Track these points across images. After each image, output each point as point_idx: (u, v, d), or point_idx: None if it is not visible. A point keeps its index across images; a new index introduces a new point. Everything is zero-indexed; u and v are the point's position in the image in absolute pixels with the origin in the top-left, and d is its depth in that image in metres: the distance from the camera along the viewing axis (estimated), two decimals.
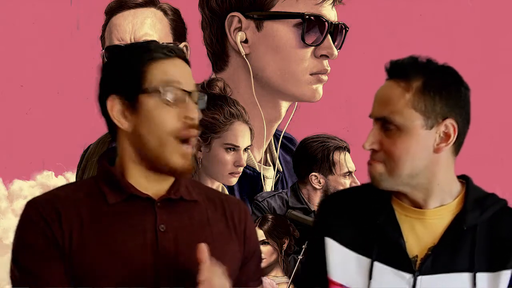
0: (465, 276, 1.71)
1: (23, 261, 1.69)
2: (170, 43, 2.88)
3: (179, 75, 1.70)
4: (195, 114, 1.70)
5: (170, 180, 1.74)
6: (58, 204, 1.69)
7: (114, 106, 1.70)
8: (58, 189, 1.76)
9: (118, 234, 1.68)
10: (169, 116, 1.68)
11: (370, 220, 1.76)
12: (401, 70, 1.73)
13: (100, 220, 1.68)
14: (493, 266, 1.72)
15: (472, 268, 1.71)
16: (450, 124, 1.72)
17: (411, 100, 1.71)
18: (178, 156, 1.69)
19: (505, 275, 1.72)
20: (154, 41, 1.78)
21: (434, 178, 1.75)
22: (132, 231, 1.68)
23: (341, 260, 1.76)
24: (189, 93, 1.70)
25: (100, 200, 1.70)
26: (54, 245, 1.66)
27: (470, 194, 1.77)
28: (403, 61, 1.74)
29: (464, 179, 1.80)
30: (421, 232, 1.74)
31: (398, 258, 1.72)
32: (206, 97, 1.75)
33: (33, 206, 1.70)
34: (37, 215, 1.68)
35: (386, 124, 1.71)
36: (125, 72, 1.70)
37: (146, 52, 1.70)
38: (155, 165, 1.71)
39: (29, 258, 1.68)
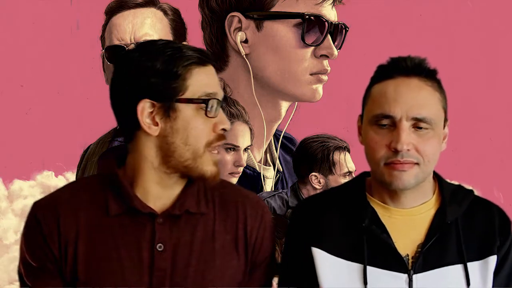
0: (457, 268, 1.73)
1: (25, 264, 1.69)
2: None
3: (216, 85, 1.67)
4: (228, 125, 1.67)
5: (182, 186, 1.69)
6: (58, 210, 1.66)
7: (144, 109, 1.63)
8: (62, 190, 1.72)
9: (114, 250, 1.64)
10: (205, 127, 1.64)
11: (353, 224, 1.74)
12: (424, 69, 1.72)
13: (98, 233, 1.64)
14: (481, 254, 1.74)
15: (462, 259, 1.73)
16: (447, 122, 1.75)
17: (440, 99, 1.72)
18: (211, 164, 1.66)
19: (492, 260, 1.74)
20: (186, 44, 1.73)
21: (429, 176, 1.77)
22: (128, 248, 1.64)
23: (331, 269, 1.73)
24: (222, 102, 1.67)
25: (101, 209, 1.65)
26: (50, 260, 1.65)
27: (445, 189, 1.79)
28: (420, 60, 1.73)
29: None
30: (407, 231, 1.74)
31: (390, 259, 1.72)
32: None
33: (34, 214, 1.68)
34: (37, 227, 1.66)
35: (419, 124, 1.68)
36: (162, 76, 1.63)
37: (184, 57, 1.64)
38: (182, 171, 1.66)
39: (29, 263, 1.68)
